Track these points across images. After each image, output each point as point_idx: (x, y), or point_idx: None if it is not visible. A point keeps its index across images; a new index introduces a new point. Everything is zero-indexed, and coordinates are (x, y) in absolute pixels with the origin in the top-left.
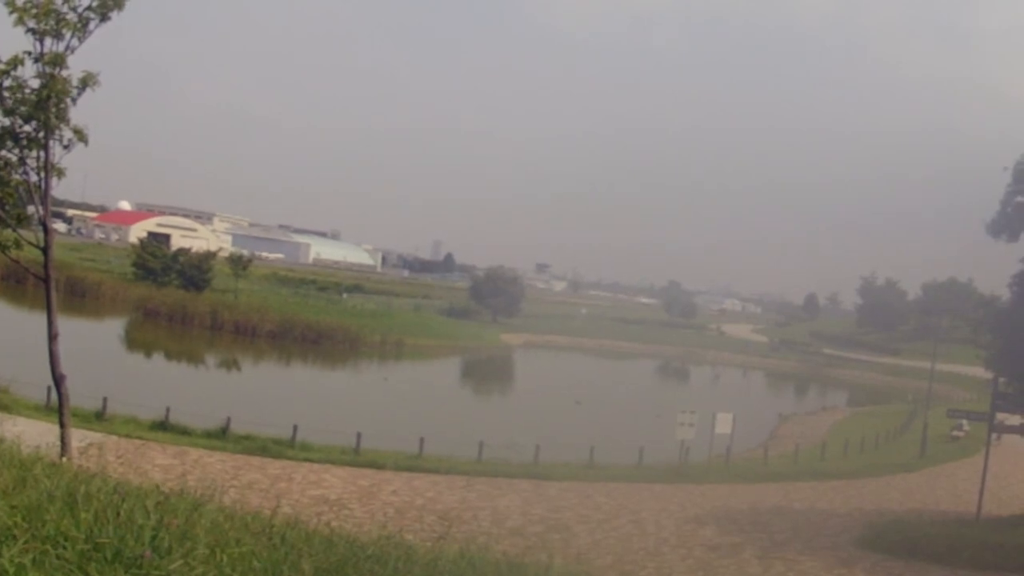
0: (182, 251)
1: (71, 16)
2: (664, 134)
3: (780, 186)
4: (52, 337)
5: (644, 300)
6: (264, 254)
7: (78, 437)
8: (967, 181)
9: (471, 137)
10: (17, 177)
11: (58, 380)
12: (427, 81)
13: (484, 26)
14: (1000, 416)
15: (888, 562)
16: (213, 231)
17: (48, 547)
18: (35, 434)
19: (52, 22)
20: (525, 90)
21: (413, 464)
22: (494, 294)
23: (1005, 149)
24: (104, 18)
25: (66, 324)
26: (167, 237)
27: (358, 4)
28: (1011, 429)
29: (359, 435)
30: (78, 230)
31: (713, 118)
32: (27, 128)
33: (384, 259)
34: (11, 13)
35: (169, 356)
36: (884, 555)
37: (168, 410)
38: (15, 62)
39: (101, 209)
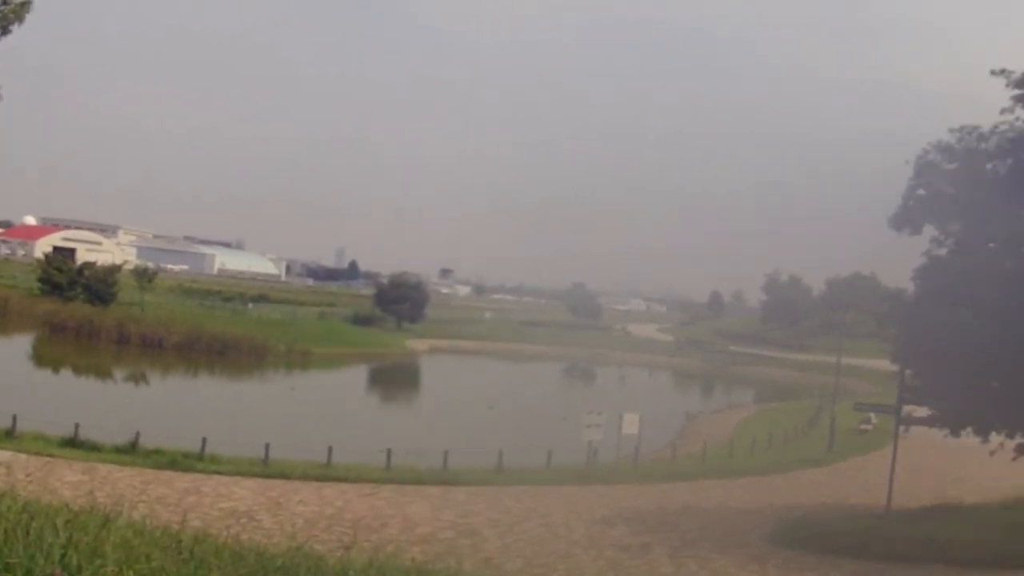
0: (88, 265)
1: None
2: (566, 138)
3: (682, 185)
4: None
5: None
6: (169, 266)
7: None
8: (869, 176)
9: (373, 144)
10: None
11: None
12: (329, 88)
13: (385, 32)
14: (907, 408)
15: (800, 557)
16: (118, 244)
17: None
18: None
19: None
20: (427, 96)
21: (322, 473)
22: (399, 300)
23: (906, 143)
24: (4, 31)
25: None
26: (72, 251)
27: (258, 14)
28: (918, 421)
29: (267, 446)
30: None
31: (614, 121)
32: None
33: (288, 268)
34: None
35: (77, 371)
36: (796, 550)
37: (77, 426)
38: None
39: (6, 224)
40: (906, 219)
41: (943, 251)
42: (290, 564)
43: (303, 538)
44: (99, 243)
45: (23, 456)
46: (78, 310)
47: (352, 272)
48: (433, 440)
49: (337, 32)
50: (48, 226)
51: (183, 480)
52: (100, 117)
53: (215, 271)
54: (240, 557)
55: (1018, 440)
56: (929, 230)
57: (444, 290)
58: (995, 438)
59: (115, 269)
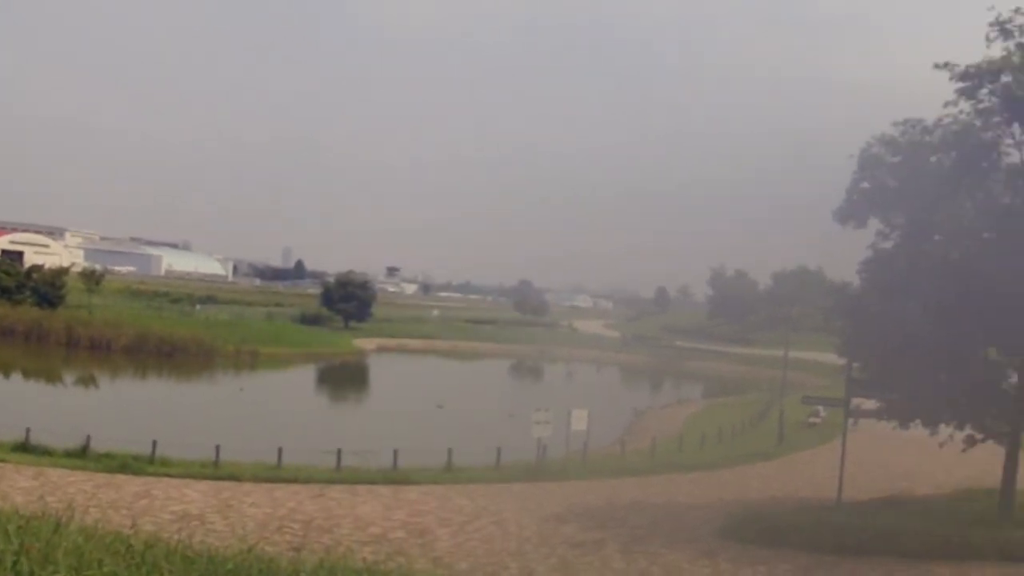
0: (35, 268)
1: None
2: (512, 138)
3: (628, 182)
4: None
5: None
6: (117, 268)
7: None
8: (814, 170)
9: (318, 145)
10: None
11: None
12: (273, 89)
13: (331, 33)
14: (855, 401)
15: (751, 551)
16: (66, 247)
17: None
18: None
19: None
20: (372, 98)
21: (272, 475)
22: (345, 299)
23: (851, 137)
24: None
25: None
26: (20, 254)
27: (204, 13)
28: (867, 414)
29: (218, 448)
30: None
31: (560, 120)
32: None
33: (235, 268)
34: None
35: (27, 375)
36: (747, 544)
37: (28, 431)
38: None
39: None
40: (851, 213)
41: (888, 244)
42: (241, 566)
43: (254, 540)
44: (47, 246)
45: None
46: (26, 313)
47: (299, 272)
48: (383, 439)
49: (283, 33)
50: None
51: (134, 484)
52: (45, 119)
53: (162, 272)
54: (191, 561)
55: (967, 432)
56: (874, 223)
57: (391, 289)
58: (944, 430)
59: (63, 272)
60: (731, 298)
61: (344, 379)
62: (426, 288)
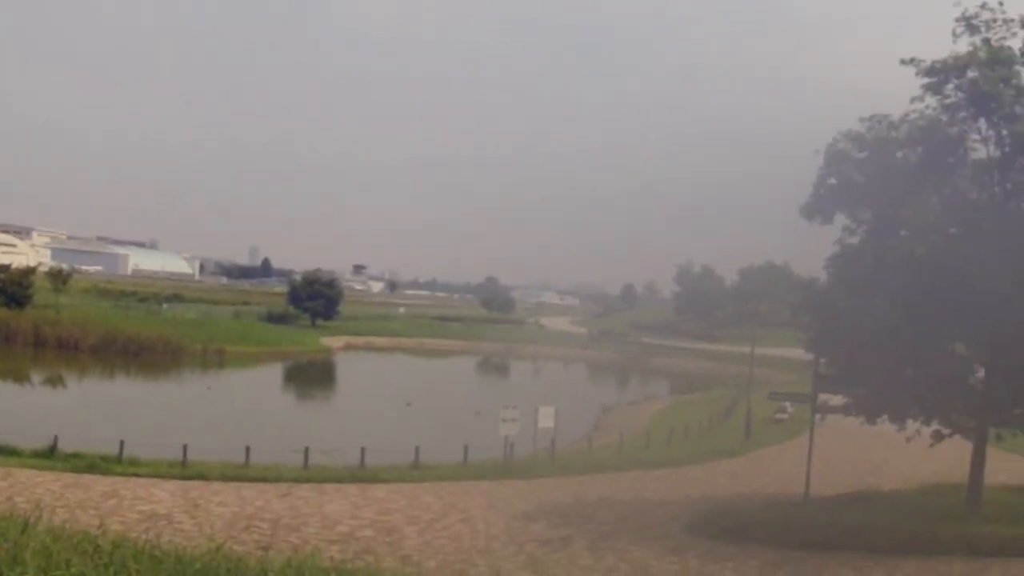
0: (2, 268)
1: None
2: (479, 135)
3: (593, 179)
4: None
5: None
6: (84, 267)
7: None
8: (781, 166)
9: (284, 143)
10: None
11: None
12: (240, 88)
13: (300, 33)
14: (822, 397)
15: (719, 547)
16: (32, 246)
17: None
18: None
19: None
20: (339, 97)
21: (240, 473)
22: (312, 298)
23: (817, 132)
24: None
25: None
26: None
27: (169, 10)
28: (834, 409)
29: (185, 447)
30: None
31: (527, 118)
32: None
33: (202, 267)
34: None
35: None
36: (715, 540)
37: None
38: None
39: None
40: (817, 208)
41: (855, 239)
42: (209, 566)
43: (222, 539)
44: (13, 245)
45: None
46: None
47: (266, 270)
48: (350, 438)
49: (252, 32)
50: None
51: (102, 483)
52: (10, 118)
53: (129, 271)
54: (159, 560)
55: (934, 427)
56: (841, 219)
57: (357, 287)
58: (911, 425)
59: (30, 271)
60: (698, 294)
61: (311, 377)
62: (393, 286)
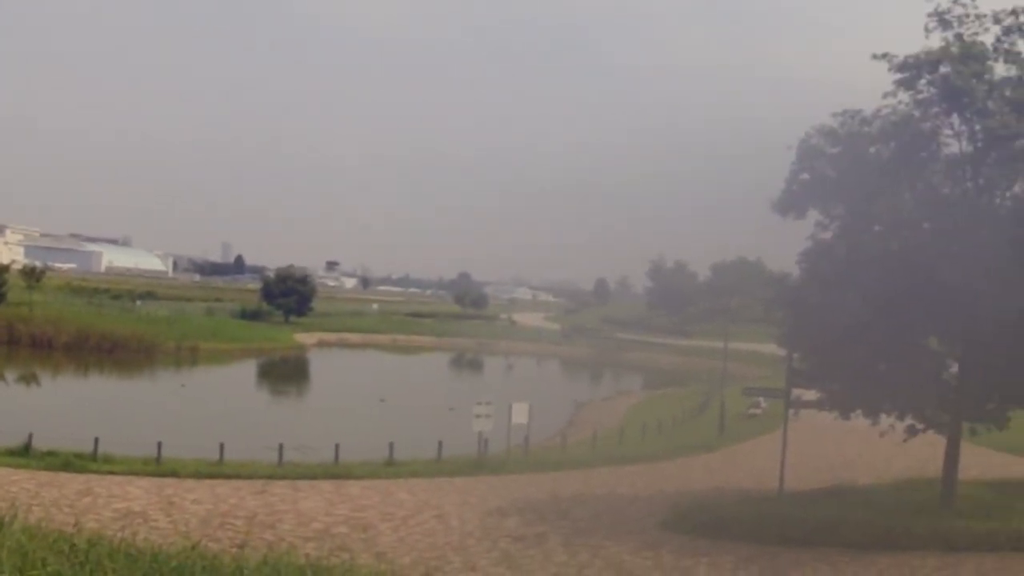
0: None
1: None
2: (450, 132)
3: (567, 175)
4: None
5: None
6: (57, 265)
7: None
8: (753, 162)
9: (256, 139)
10: None
11: None
12: (212, 86)
13: (270, 31)
14: (796, 392)
15: (694, 543)
16: (6, 244)
17: None
18: None
19: None
20: (311, 93)
21: (215, 471)
22: (285, 294)
23: (790, 128)
24: None
25: None
26: None
27: (146, 11)
28: (807, 404)
29: (160, 444)
30: None
31: (499, 114)
32: None
33: (175, 264)
34: None
35: None
36: (689, 536)
37: None
38: None
39: None
40: (790, 203)
41: (828, 235)
42: (185, 564)
43: (197, 537)
44: None
45: None
46: None
47: (239, 266)
48: (324, 434)
49: (222, 30)
50: None
51: (77, 482)
52: None
53: (103, 269)
54: (135, 559)
55: (908, 422)
56: (813, 214)
57: (330, 283)
58: (885, 420)
59: (3, 269)
60: (671, 290)
61: (285, 374)
62: (365, 282)
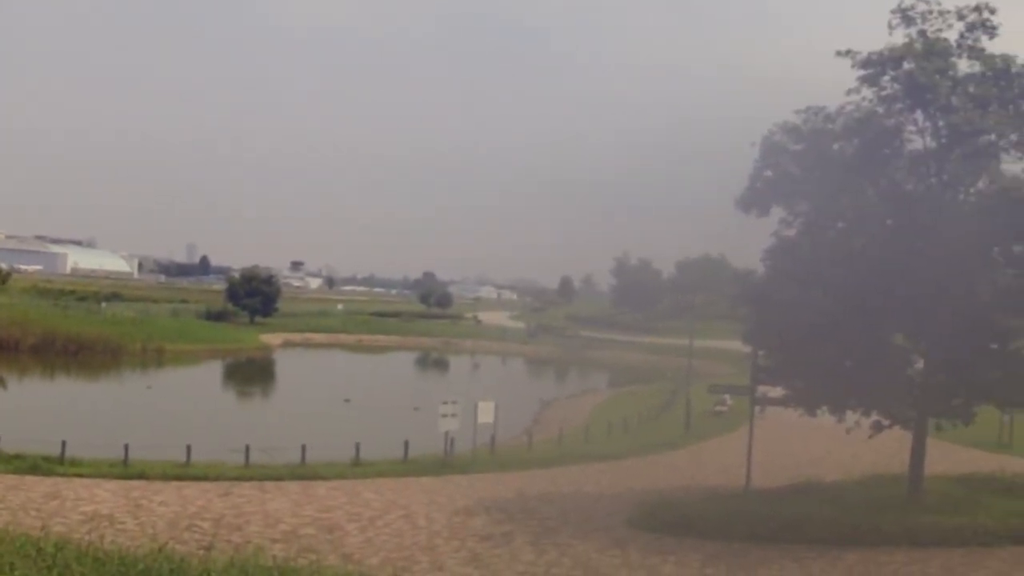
0: None
1: None
2: (414, 131)
3: (530, 173)
4: None
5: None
6: (22, 267)
7: None
8: (717, 159)
9: (220, 139)
10: None
11: None
12: (174, 85)
13: (234, 31)
14: (761, 389)
15: (660, 540)
16: None
17: None
18: None
19: None
20: (272, 92)
21: (182, 473)
22: (250, 295)
23: (754, 124)
24: None
25: None
26: None
27: (108, 11)
28: (773, 401)
29: (127, 447)
30: None
31: (462, 113)
32: None
33: (140, 265)
34: None
35: None
36: (656, 534)
37: None
38: None
39: None
40: (754, 200)
41: (792, 232)
42: (152, 566)
43: (165, 540)
44: None
45: None
46: None
47: (204, 267)
48: (291, 435)
49: (185, 29)
50: None
51: (44, 485)
52: None
53: (68, 270)
54: (102, 562)
55: (874, 418)
56: (778, 211)
57: (295, 283)
58: (851, 416)
59: None
60: (635, 287)
61: (251, 375)
62: (331, 282)
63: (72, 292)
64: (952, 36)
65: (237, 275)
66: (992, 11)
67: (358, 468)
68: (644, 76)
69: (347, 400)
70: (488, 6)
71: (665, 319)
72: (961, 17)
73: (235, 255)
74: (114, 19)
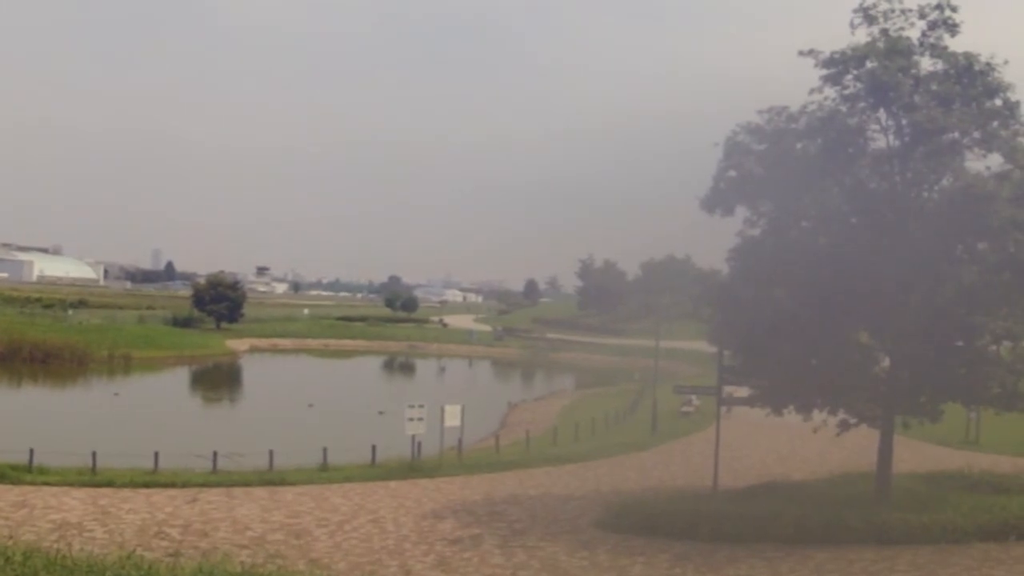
0: None
1: None
2: (376, 132)
3: (494, 176)
4: None
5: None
6: None
7: None
8: (681, 160)
9: (182, 143)
10: None
11: None
12: (135, 87)
13: (195, 29)
14: (728, 389)
15: (629, 541)
16: None
17: None
18: None
19: None
20: (235, 92)
21: (150, 480)
22: (216, 300)
23: (717, 125)
24: None
25: None
26: None
27: (70, 10)
28: (739, 401)
29: (94, 454)
30: None
31: (424, 115)
32: None
33: (106, 272)
34: None
35: None
36: (624, 535)
37: None
38: None
39: None
40: (717, 201)
41: (756, 231)
42: (121, 573)
43: (133, 547)
44: None
45: None
46: None
47: (169, 273)
48: (258, 440)
49: (151, 34)
50: None
51: (12, 493)
52: None
53: (34, 278)
54: (71, 570)
55: (840, 416)
56: (742, 211)
57: (261, 288)
58: (817, 415)
59: None
60: (600, 289)
61: (218, 381)
62: (296, 287)
63: (38, 299)
64: (914, 34)
65: (203, 281)
66: (954, 9)
67: (326, 473)
68: (608, 78)
69: (311, 405)
70: (453, 5)
71: (631, 320)
72: (923, 15)
73: (200, 260)
74: (77, 25)
